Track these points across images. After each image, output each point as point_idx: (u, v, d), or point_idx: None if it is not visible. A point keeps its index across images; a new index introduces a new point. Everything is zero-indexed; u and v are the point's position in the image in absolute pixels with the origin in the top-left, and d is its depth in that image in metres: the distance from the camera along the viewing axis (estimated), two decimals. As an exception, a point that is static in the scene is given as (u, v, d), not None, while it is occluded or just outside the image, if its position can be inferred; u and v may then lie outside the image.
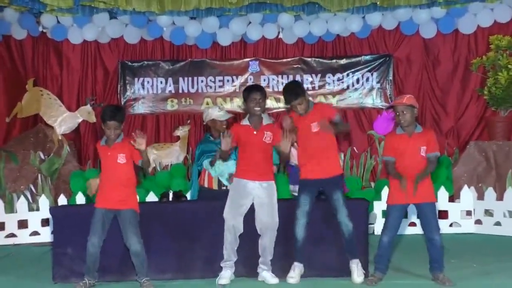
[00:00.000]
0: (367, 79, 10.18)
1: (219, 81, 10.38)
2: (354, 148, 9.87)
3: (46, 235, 7.86)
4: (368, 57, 10.19)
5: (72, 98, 10.32)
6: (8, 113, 9.70)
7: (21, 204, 8.08)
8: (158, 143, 10.06)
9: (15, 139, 9.51)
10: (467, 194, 8.18)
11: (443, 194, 8.14)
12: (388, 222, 5.49)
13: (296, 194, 6.17)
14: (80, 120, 9.84)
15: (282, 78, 10.30)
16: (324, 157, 5.56)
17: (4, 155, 8.84)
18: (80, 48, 10.31)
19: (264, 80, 10.29)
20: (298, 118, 5.61)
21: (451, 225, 8.15)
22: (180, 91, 10.39)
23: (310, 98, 5.85)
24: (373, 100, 10.18)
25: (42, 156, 9.01)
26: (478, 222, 8.13)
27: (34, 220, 8.00)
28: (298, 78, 10.23)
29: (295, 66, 10.31)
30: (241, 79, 10.34)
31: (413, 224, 7.70)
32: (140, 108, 10.41)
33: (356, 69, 10.21)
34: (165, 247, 5.78)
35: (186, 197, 7.46)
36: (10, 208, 8.29)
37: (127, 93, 10.41)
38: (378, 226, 7.68)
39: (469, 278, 5.58)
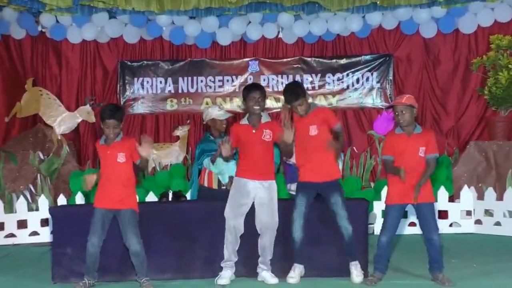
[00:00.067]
0: (367, 79, 10.18)
1: (219, 81, 10.38)
2: (354, 148, 9.87)
3: (45, 235, 7.87)
4: (368, 57, 10.19)
5: (71, 98, 10.32)
6: (7, 113, 9.70)
7: (21, 204, 8.08)
8: (157, 143, 10.04)
9: (14, 139, 9.51)
10: (467, 194, 8.18)
11: (443, 194, 8.15)
12: (387, 222, 5.50)
13: (293, 193, 6.18)
14: (79, 120, 9.85)
15: (282, 78, 10.30)
16: (322, 161, 5.54)
17: (3, 155, 8.83)
18: (79, 47, 10.31)
19: (264, 80, 10.28)
20: (298, 119, 5.60)
21: (451, 225, 8.15)
22: (180, 91, 10.38)
23: (315, 101, 5.84)
24: (373, 100, 10.18)
25: (42, 156, 9.01)
26: (478, 222, 8.13)
27: (34, 220, 8.00)
28: (298, 78, 10.24)
29: (295, 66, 10.31)
30: (241, 79, 10.34)
31: (412, 224, 7.70)
32: (140, 108, 10.41)
33: (356, 68, 10.21)
34: (165, 247, 5.78)
35: (185, 197, 7.46)
36: (9, 208, 8.28)
37: (126, 93, 10.41)
38: (378, 226, 7.67)
39: (469, 278, 5.58)
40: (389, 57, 10.14)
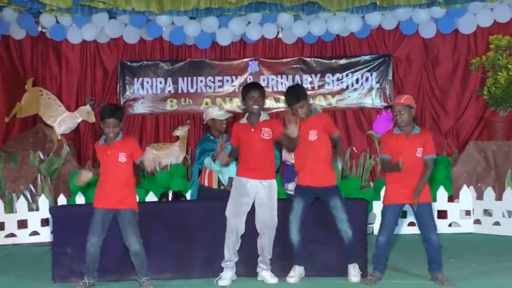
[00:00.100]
0: (367, 79, 10.20)
1: (219, 81, 10.39)
2: (354, 148, 9.88)
3: (45, 235, 7.88)
4: (367, 57, 10.21)
5: (71, 98, 10.33)
6: (7, 113, 9.71)
7: (21, 204, 8.11)
8: (157, 143, 10.07)
9: (14, 139, 9.52)
10: (466, 194, 8.20)
11: (442, 194, 8.16)
12: (385, 222, 5.51)
13: (290, 192, 6.20)
14: (79, 120, 9.88)
15: (281, 78, 10.33)
16: (319, 166, 5.56)
17: (4, 155, 8.85)
18: (79, 48, 10.32)
19: (264, 80, 10.29)
20: (300, 122, 5.60)
21: (450, 225, 8.17)
22: (180, 91, 10.40)
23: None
24: (373, 100, 10.20)
25: (42, 156, 9.02)
26: (477, 222, 8.16)
27: (34, 220, 8.02)
28: (297, 78, 10.27)
29: (294, 66, 10.33)
30: (241, 79, 10.36)
31: (412, 224, 7.71)
32: (140, 108, 10.43)
33: (355, 69, 10.22)
34: (165, 247, 5.79)
35: (185, 197, 7.47)
36: (9, 208, 8.29)
37: (126, 93, 10.42)
38: (377, 225, 7.63)
39: (468, 278, 5.59)
40: (388, 57, 10.16)
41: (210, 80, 10.39)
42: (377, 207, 7.94)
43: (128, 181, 5.50)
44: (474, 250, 7.00)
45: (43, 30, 10.19)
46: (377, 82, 10.19)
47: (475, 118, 9.87)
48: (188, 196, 7.44)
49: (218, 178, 6.32)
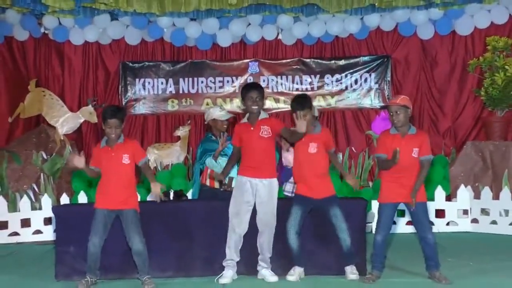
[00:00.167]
0: (366, 80, 10.25)
1: (219, 81, 10.44)
2: (352, 148, 9.94)
3: (48, 234, 7.93)
4: (366, 58, 10.26)
5: (74, 99, 10.38)
6: (10, 114, 9.77)
7: (24, 203, 8.15)
8: (158, 143, 10.13)
9: (17, 140, 9.58)
10: (464, 193, 8.25)
11: (440, 193, 8.22)
12: (381, 221, 5.56)
13: (287, 193, 6.25)
14: (82, 120, 9.94)
15: (281, 79, 10.38)
16: (317, 179, 5.61)
17: (7, 155, 8.90)
18: (81, 49, 10.37)
19: (264, 80, 10.34)
20: None
21: (448, 224, 8.22)
22: (181, 91, 10.44)
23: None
24: (371, 101, 10.24)
25: (45, 156, 9.07)
26: (474, 221, 8.21)
27: (37, 219, 8.06)
28: (297, 78, 10.33)
29: (294, 67, 10.38)
30: (241, 79, 10.40)
31: (410, 223, 7.71)
32: (141, 108, 10.47)
33: (354, 70, 10.27)
34: (166, 245, 5.81)
35: (186, 197, 7.49)
36: (13, 207, 8.34)
37: (128, 94, 10.47)
38: (375, 225, 7.73)
39: (466, 277, 5.62)
40: (387, 58, 10.21)
41: (210, 81, 10.43)
42: (375, 206, 7.92)
43: (130, 182, 5.54)
44: (472, 249, 7.03)
45: (46, 32, 10.25)
46: (375, 83, 10.24)
47: (472, 119, 9.92)
48: (189, 195, 7.49)
49: (220, 178, 6.34)
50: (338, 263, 5.70)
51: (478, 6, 9.42)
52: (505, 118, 9.26)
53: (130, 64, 10.47)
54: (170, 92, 10.46)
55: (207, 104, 10.30)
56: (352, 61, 10.29)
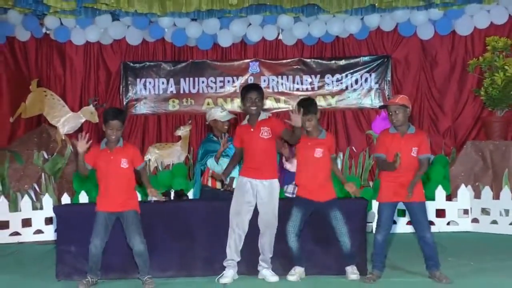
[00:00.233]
0: (366, 80, 10.27)
1: (220, 81, 10.46)
2: (353, 147, 9.95)
3: (49, 234, 7.94)
4: (366, 58, 10.28)
5: (75, 99, 10.41)
6: (12, 114, 9.81)
7: (25, 203, 8.16)
8: (159, 143, 10.16)
9: (19, 140, 9.60)
10: (464, 193, 8.26)
11: (440, 193, 8.23)
12: (381, 221, 5.57)
13: (288, 194, 6.26)
14: (83, 120, 9.98)
15: (282, 79, 10.39)
16: (320, 183, 5.63)
17: (9, 155, 8.92)
18: (83, 49, 10.40)
19: (264, 80, 10.36)
20: (306, 137, 5.67)
21: (448, 223, 8.22)
22: (182, 91, 10.46)
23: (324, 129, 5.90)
24: (372, 101, 10.26)
25: (46, 156, 9.09)
26: (475, 220, 8.22)
27: (38, 218, 8.08)
28: (297, 78, 10.34)
29: (294, 67, 10.39)
30: (242, 79, 10.42)
31: (410, 222, 7.75)
32: (142, 108, 10.49)
33: (354, 70, 10.29)
34: (167, 245, 5.82)
35: (187, 196, 7.51)
36: (14, 207, 8.36)
37: (129, 94, 10.49)
38: (376, 224, 7.73)
39: (466, 276, 5.63)
40: (387, 58, 10.22)
41: (211, 81, 10.45)
42: (376, 206, 7.95)
43: (129, 184, 5.57)
44: (472, 249, 7.04)
45: (47, 32, 10.28)
46: (376, 83, 10.26)
47: (472, 118, 9.94)
48: (190, 195, 7.50)
49: (222, 179, 6.33)
50: (338, 263, 5.71)
51: (478, 6, 9.43)
52: (505, 118, 9.27)
53: (131, 64, 10.49)
54: (171, 92, 10.48)
55: (208, 104, 10.33)
56: (352, 61, 10.30)
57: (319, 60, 10.34)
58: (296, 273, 5.63)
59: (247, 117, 5.76)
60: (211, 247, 5.82)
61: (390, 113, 5.48)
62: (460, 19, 9.65)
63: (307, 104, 5.67)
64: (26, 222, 8.07)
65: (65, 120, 9.84)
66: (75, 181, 8.77)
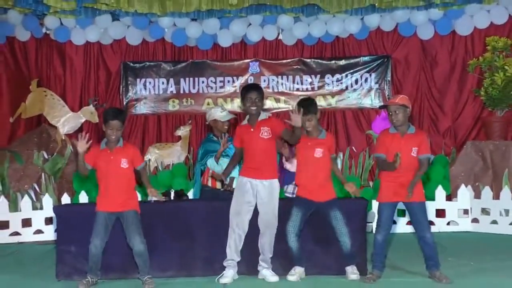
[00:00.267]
0: (366, 80, 10.27)
1: (220, 81, 10.46)
2: (353, 147, 9.95)
3: (49, 234, 7.95)
4: (366, 58, 10.28)
5: (75, 99, 10.42)
6: (12, 114, 9.82)
7: (25, 203, 8.16)
8: (159, 143, 10.16)
9: (19, 140, 9.61)
10: (464, 193, 8.26)
11: (440, 193, 8.23)
12: (381, 221, 5.58)
13: (288, 195, 6.26)
14: (83, 120, 9.99)
15: (282, 78, 10.40)
16: (320, 183, 5.63)
17: (9, 155, 8.92)
18: (83, 49, 10.41)
19: (264, 80, 10.37)
20: (306, 137, 5.67)
21: (448, 223, 8.23)
22: (182, 91, 10.47)
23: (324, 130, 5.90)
24: (372, 101, 10.27)
25: (46, 156, 9.09)
26: (475, 220, 8.23)
27: (38, 218, 8.08)
28: (297, 78, 10.35)
29: (294, 67, 10.40)
30: (242, 79, 10.43)
31: (410, 222, 7.75)
32: (142, 108, 10.50)
33: (354, 70, 10.30)
34: (167, 245, 5.82)
35: (187, 196, 7.51)
36: (14, 207, 8.36)
37: (129, 94, 10.49)
38: (375, 224, 7.73)
39: (466, 276, 5.64)
40: (387, 58, 10.23)
41: (211, 81, 10.46)
42: (376, 206, 7.97)
43: (129, 184, 5.57)
44: (472, 249, 7.04)
45: (47, 32, 10.29)
46: (376, 83, 10.26)
47: (472, 118, 9.94)
48: (190, 195, 7.50)
49: (222, 179, 6.32)
50: (338, 263, 5.71)
51: (477, 6, 9.44)
52: (505, 118, 9.27)
53: (131, 64, 10.50)
54: (171, 92, 10.48)
55: (208, 104, 10.33)
56: (352, 61, 10.31)
57: (319, 60, 10.35)
58: (296, 273, 5.63)
59: (247, 117, 5.76)
60: (211, 247, 5.81)
61: (390, 113, 5.48)
62: (460, 19, 9.66)
63: (307, 104, 5.67)
64: (26, 222, 8.07)
65: (65, 120, 9.85)
66: (75, 181, 8.77)
